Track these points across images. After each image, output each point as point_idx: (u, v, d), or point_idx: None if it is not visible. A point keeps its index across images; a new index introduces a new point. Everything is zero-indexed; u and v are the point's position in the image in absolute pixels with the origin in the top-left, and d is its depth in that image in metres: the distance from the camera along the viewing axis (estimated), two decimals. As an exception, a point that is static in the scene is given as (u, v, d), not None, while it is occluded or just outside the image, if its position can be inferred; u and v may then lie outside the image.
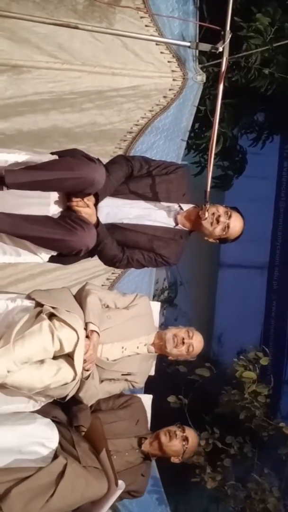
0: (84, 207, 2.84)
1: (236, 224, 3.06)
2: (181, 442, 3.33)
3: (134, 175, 3.04)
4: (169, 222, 3.08)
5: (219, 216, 3.02)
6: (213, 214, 3.02)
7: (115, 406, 3.37)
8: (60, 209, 2.88)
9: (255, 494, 5.05)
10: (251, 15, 4.54)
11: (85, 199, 2.85)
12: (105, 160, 2.96)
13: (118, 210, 3.01)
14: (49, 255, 2.90)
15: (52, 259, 2.93)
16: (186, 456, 3.42)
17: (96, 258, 3.07)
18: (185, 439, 3.34)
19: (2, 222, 2.71)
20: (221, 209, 3.04)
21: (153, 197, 3.05)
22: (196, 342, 3.32)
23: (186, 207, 3.10)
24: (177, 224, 3.08)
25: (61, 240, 2.76)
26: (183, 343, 3.28)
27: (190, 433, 3.41)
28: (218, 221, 3.02)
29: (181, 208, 3.09)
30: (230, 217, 3.04)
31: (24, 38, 3.64)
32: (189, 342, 3.29)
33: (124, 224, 3.01)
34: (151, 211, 3.06)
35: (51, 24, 3.25)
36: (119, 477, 2.85)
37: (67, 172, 2.74)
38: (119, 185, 3.00)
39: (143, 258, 3.08)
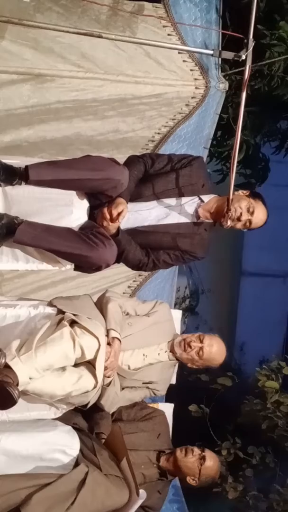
0: (114, 220, 2.78)
1: (258, 219, 3.02)
2: (197, 460, 3.21)
3: (148, 172, 2.99)
4: (191, 217, 3.03)
5: (240, 214, 2.97)
6: (235, 210, 2.95)
7: (137, 417, 3.33)
8: (83, 217, 2.88)
9: (277, 505, 5.00)
10: (274, 23, 4.54)
11: (120, 216, 2.78)
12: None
13: (138, 214, 2.98)
14: (73, 265, 2.90)
15: (76, 268, 2.92)
16: (203, 478, 3.24)
17: (117, 265, 3.06)
18: (202, 458, 3.22)
19: (24, 234, 2.70)
20: (244, 205, 2.98)
21: (172, 193, 3.01)
22: (207, 346, 3.22)
23: (206, 198, 3.04)
24: (199, 217, 3.03)
25: (82, 255, 2.75)
26: (191, 346, 3.20)
27: (210, 454, 3.27)
28: (239, 219, 2.98)
29: (202, 200, 3.03)
30: (252, 213, 3.00)
31: (48, 47, 3.68)
32: (197, 346, 3.21)
33: (145, 226, 2.98)
34: (171, 208, 3.01)
35: (75, 34, 3.28)
36: (136, 489, 2.81)
37: (93, 173, 2.73)
38: (136, 189, 2.96)
39: (169, 257, 3.04)
